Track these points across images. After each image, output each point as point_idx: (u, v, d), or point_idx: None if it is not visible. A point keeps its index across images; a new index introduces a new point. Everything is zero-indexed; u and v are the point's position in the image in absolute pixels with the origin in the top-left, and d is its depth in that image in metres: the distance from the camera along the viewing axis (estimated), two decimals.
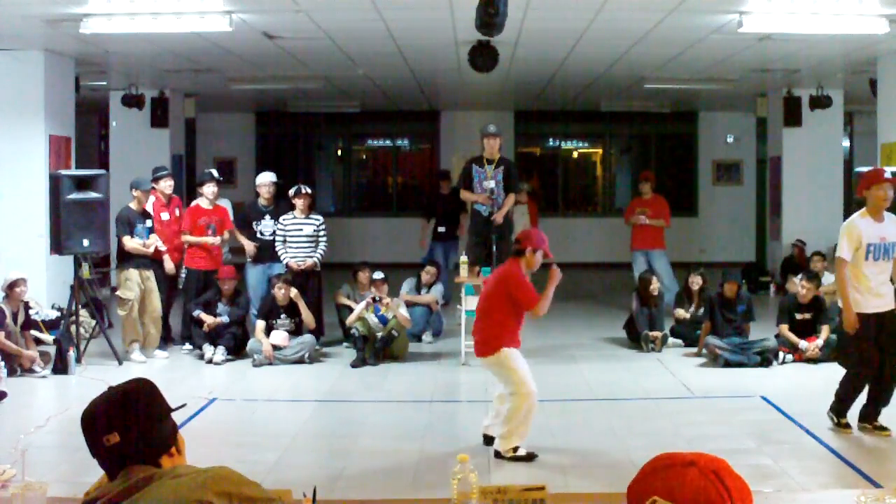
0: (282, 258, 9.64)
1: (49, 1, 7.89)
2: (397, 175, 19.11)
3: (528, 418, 5.86)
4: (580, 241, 17.45)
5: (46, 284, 10.34)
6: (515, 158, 16.69)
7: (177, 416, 2.29)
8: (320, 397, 7.95)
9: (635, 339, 9.85)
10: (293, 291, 9.18)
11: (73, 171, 9.81)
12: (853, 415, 6.43)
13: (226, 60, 11.08)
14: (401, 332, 9.22)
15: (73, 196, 8.81)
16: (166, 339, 9.77)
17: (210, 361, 9.03)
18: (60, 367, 8.46)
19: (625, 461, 5.76)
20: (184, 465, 2.24)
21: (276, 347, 9.04)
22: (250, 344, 9.14)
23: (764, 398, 7.54)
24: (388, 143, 19.12)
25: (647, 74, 12.41)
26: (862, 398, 6.41)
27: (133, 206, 9.27)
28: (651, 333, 9.66)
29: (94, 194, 8.95)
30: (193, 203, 10.13)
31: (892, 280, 6.38)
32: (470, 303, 8.63)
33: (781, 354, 8.94)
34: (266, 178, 10.15)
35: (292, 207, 9.73)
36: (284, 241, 9.64)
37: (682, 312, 10.05)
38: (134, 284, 9.10)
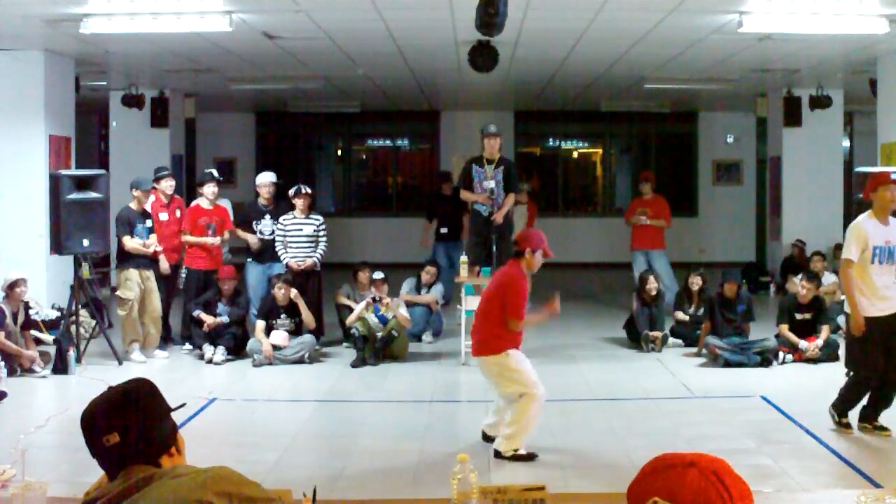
0: (281, 258, 9.64)
1: (49, 1, 7.89)
2: (397, 175, 19.11)
3: (534, 419, 5.86)
4: (580, 241, 17.45)
5: (46, 284, 10.34)
6: (515, 158, 16.68)
7: (177, 416, 2.29)
8: (320, 397, 7.95)
9: (635, 339, 9.85)
10: (293, 292, 9.18)
11: (73, 171, 9.81)
12: (853, 414, 6.43)
13: (226, 60, 11.08)
14: (401, 332, 9.22)
15: (73, 196, 8.81)
16: (166, 339, 9.77)
17: (210, 361, 9.03)
18: (60, 367, 8.46)
19: (625, 461, 5.77)
20: (184, 465, 2.24)
21: (276, 347, 9.04)
22: (250, 344, 9.14)
23: (764, 398, 7.54)
24: (388, 143, 19.12)
25: (647, 74, 12.40)
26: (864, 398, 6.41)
27: (133, 206, 9.27)
28: (651, 333, 9.66)
29: (94, 194, 8.95)
30: (194, 203, 10.13)
31: None
32: (470, 303, 8.63)
33: (781, 354, 8.94)
34: (266, 178, 10.15)
35: (292, 207, 9.73)
36: (284, 242, 9.64)
37: (681, 315, 10.05)
38: (134, 284, 9.10)
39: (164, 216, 9.66)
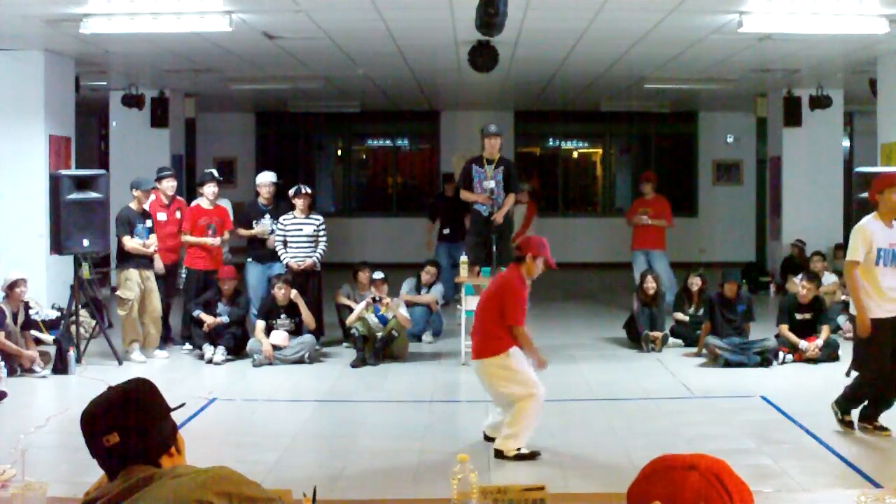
0: (281, 258, 9.64)
1: (49, 1, 7.89)
2: (397, 175, 19.11)
3: (534, 419, 5.86)
4: (580, 241, 17.45)
5: (46, 284, 10.34)
6: (515, 158, 16.68)
7: (177, 416, 2.29)
8: (320, 397, 7.95)
9: (635, 339, 9.85)
10: (293, 292, 9.18)
11: (73, 171, 9.81)
12: (854, 414, 6.43)
13: (226, 60, 11.08)
14: (401, 332, 9.22)
15: (73, 196, 8.81)
16: (166, 339, 9.77)
17: (210, 361, 9.04)
18: (60, 367, 8.46)
19: (625, 461, 5.77)
20: (184, 465, 2.24)
21: (276, 347, 9.04)
22: (250, 344, 9.14)
23: (764, 398, 7.54)
24: (388, 143, 19.12)
25: (647, 74, 12.41)
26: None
27: (133, 206, 9.27)
28: (651, 333, 9.66)
29: (94, 194, 8.95)
30: (194, 203, 10.13)
31: None
32: (470, 303, 8.64)
33: (781, 354, 8.94)
34: (266, 178, 10.15)
35: (292, 207, 9.73)
36: (284, 242, 9.64)
37: (681, 316, 10.05)
38: (134, 284, 9.10)
39: (162, 216, 9.65)
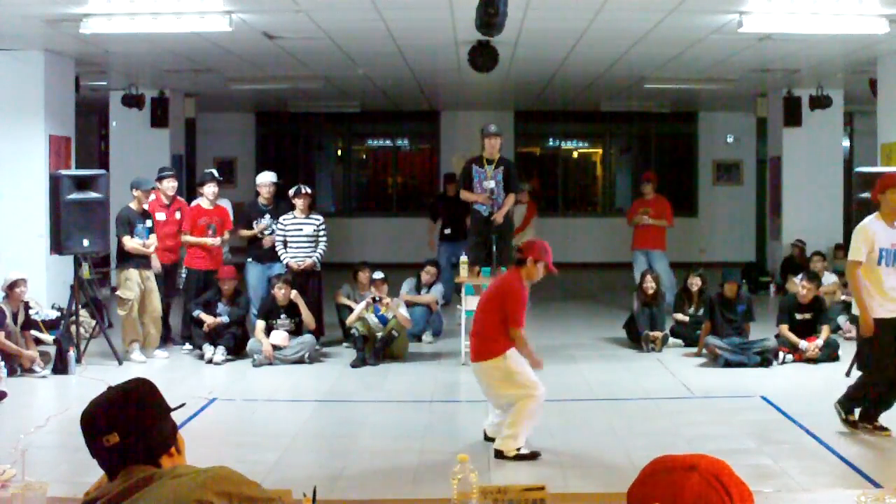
0: (281, 258, 9.64)
1: (49, 1, 7.89)
2: (397, 175, 19.11)
3: (534, 418, 5.86)
4: (580, 241, 17.45)
5: (46, 284, 10.34)
6: (515, 158, 16.68)
7: (177, 416, 2.29)
8: (320, 397, 7.95)
9: (635, 339, 9.85)
10: (293, 292, 9.18)
11: (73, 171, 9.81)
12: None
13: (226, 60, 11.08)
14: (401, 332, 9.22)
15: (73, 196, 8.81)
16: (166, 339, 9.77)
17: (210, 361, 9.04)
18: (60, 367, 8.46)
19: (625, 461, 5.77)
20: (184, 465, 2.24)
21: (276, 347, 9.04)
22: (250, 344, 9.14)
23: (764, 398, 7.54)
24: (388, 143, 19.12)
25: (647, 74, 12.41)
26: None
27: (133, 206, 9.27)
28: (651, 333, 9.66)
29: (94, 194, 8.95)
30: (194, 203, 10.13)
31: None
32: (470, 303, 8.63)
33: (781, 354, 8.94)
34: (266, 178, 10.15)
35: (292, 207, 9.73)
36: (284, 242, 9.64)
37: (681, 317, 10.04)
38: (134, 284, 9.10)
39: (161, 216, 9.64)
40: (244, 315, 9.60)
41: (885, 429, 6.27)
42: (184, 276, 10.13)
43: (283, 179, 10.74)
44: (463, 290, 9.10)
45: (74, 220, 8.79)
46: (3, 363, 7.82)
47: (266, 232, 9.86)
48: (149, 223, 9.32)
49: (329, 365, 9.17)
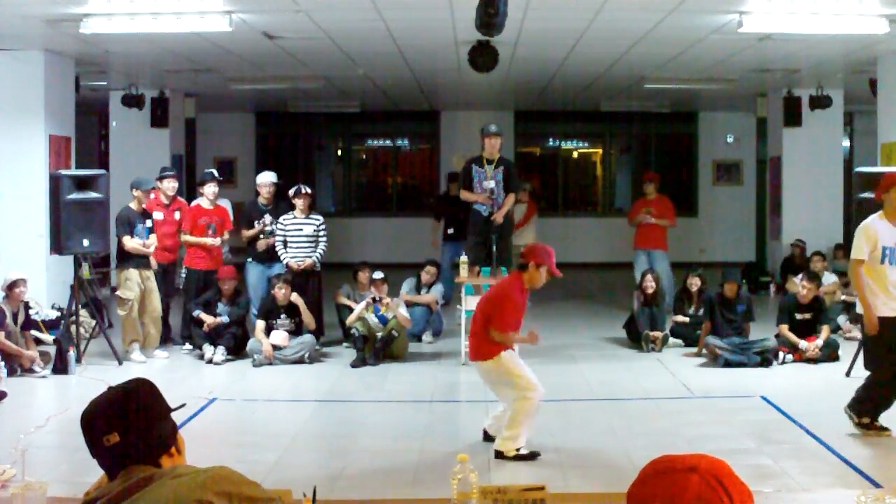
0: (281, 258, 9.64)
1: (49, 1, 7.88)
2: (397, 175, 19.11)
3: (532, 418, 5.86)
4: (580, 241, 17.45)
5: (46, 284, 10.34)
6: (515, 158, 16.69)
7: (177, 416, 2.29)
8: (320, 397, 7.95)
9: (635, 338, 9.85)
10: (294, 295, 9.17)
11: (73, 171, 9.81)
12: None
13: (226, 60, 11.08)
14: (401, 332, 9.21)
15: (73, 196, 8.81)
16: (166, 339, 9.77)
17: (210, 361, 9.04)
18: (60, 367, 8.46)
19: (625, 461, 5.77)
20: (184, 465, 2.24)
21: (276, 347, 9.04)
22: (250, 344, 9.14)
23: (764, 398, 7.54)
24: (388, 143, 19.12)
25: (647, 74, 12.40)
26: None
27: (133, 206, 9.27)
28: (651, 333, 9.66)
29: (94, 194, 8.95)
30: (194, 203, 10.13)
31: None
32: (470, 303, 8.64)
33: (781, 354, 8.94)
34: (266, 178, 10.15)
35: (292, 207, 9.73)
36: (284, 242, 9.64)
37: (681, 319, 10.04)
38: (134, 284, 9.10)
39: (158, 215, 9.62)
40: (244, 315, 9.60)
41: (886, 429, 6.26)
42: (183, 276, 10.12)
43: (283, 179, 10.74)
44: (463, 290, 9.10)
45: (74, 220, 8.79)
46: (3, 363, 7.82)
47: (266, 230, 9.84)
48: (149, 223, 9.32)
49: (329, 365, 9.17)
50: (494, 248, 9.07)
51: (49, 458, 5.73)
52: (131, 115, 13.85)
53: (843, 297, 10.62)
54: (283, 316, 9.22)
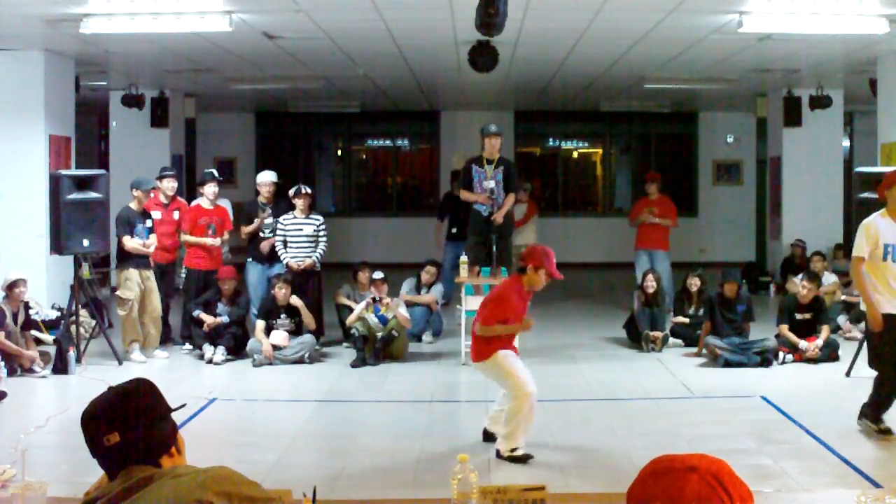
0: (281, 258, 9.64)
1: (49, 1, 7.88)
2: (397, 175, 19.11)
3: (529, 419, 5.86)
4: (580, 241, 17.45)
5: (46, 284, 10.34)
6: (515, 158, 16.69)
7: (177, 416, 2.29)
8: (320, 397, 7.95)
9: (635, 338, 9.85)
10: (293, 297, 9.17)
11: (73, 171, 9.81)
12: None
13: (226, 60, 11.08)
14: (401, 332, 9.22)
15: (73, 196, 8.80)
16: (166, 339, 9.77)
17: (210, 361, 9.04)
18: (60, 367, 8.46)
19: (625, 461, 5.77)
20: (184, 465, 2.24)
21: (276, 347, 9.04)
22: (250, 344, 9.14)
23: (764, 398, 7.54)
24: (388, 143, 19.12)
25: (647, 74, 12.40)
26: (866, 397, 6.37)
27: (133, 205, 9.27)
28: (651, 333, 9.66)
29: (94, 194, 8.95)
30: (194, 203, 10.13)
31: None
32: (470, 303, 8.63)
33: (781, 354, 8.94)
34: (266, 178, 10.15)
35: (292, 207, 9.73)
36: (284, 242, 9.64)
37: (681, 320, 10.03)
38: (134, 284, 9.11)
39: (156, 214, 9.61)
40: (244, 315, 9.60)
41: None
42: (183, 276, 10.12)
43: (283, 179, 10.74)
44: (463, 290, 9.10)
45: (74, 220, 8.79)
46: (3, 363, 7.81)
47: (266, 223, 9.83)
48: (149, 223, 9.32)
49: (329, 365, 9.17)
50: (494, 248, 9.07)
51: (49, 458, 5.73)
52: (131, 115, 13.85)
53: (843, 297, 10.62)
54: (283, 316, 9.23)
